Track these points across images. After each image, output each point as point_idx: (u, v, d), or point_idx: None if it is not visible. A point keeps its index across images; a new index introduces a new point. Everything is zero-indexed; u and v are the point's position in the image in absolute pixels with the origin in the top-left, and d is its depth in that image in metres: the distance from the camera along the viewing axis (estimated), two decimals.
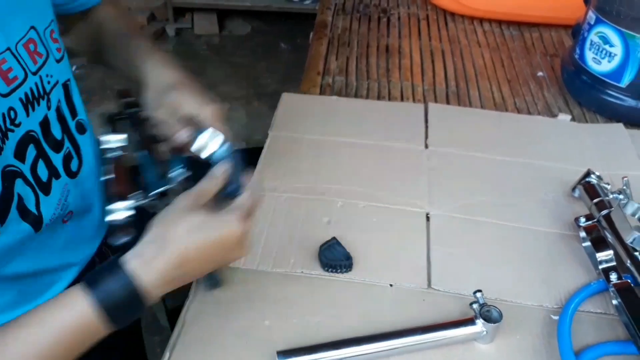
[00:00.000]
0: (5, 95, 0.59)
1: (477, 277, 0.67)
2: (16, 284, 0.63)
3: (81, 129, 0.70)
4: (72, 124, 0.69)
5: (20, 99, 0.61)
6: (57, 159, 0.67)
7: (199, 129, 0.61)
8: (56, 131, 0.67)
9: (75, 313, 0.49)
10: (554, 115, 1.00)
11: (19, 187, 0.61)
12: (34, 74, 0.63)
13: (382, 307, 0.63)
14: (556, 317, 0.62)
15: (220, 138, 0.60)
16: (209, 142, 0.60)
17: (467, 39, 1.24)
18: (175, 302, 1.43)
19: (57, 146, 0.67)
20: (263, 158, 0.85)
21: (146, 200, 0.59)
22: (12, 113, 0.60)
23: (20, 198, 0.60)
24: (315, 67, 1.10)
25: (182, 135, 0.62)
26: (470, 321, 0.58)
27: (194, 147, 0.61)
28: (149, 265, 0.50)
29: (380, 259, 0.68)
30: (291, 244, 0.70)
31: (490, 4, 1.28)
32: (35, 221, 0.63)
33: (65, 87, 0.68)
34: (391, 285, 0.65)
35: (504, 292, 0.65)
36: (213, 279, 0.64)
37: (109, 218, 0.56)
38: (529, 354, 0.59)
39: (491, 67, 1.14)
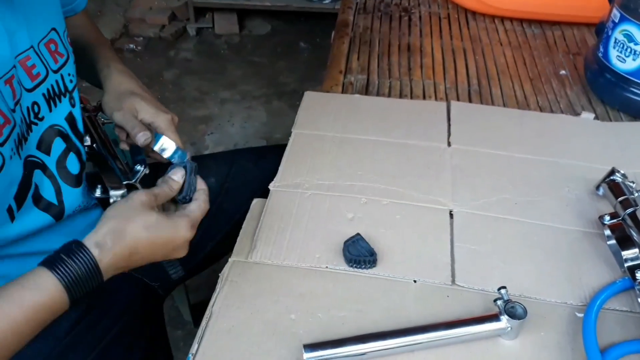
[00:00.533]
0: (30, 90, 0.62)
1: (501, 273, 0.67)
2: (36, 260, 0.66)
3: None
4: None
5: (43, 94, 0.64)
6: (83, 154, 0.69)
7: (156, 133, 0.69)
8: (81, 127, 0.70)
9: (49, 295, 0.52)
10: (577, 114, 0.99)
11: (37, 177, 0.63)
12: (55, 72, 0.66)
13: (406, 303, 0.63)
14: (581, 315, 0.62)
15: (172, 144, 0.69)
16: (168, 146, 0.69)
17: (488, 37, 1.24)
18: (198, 297, 1.46)
19: (81, 141, 0.70)
20: (286, 155, 0.86)
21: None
22: (35, 107, 0.63)
23: (36, 187, 0.63)
24: (337, 65, 1.11)
25: (141, 136, 0.69)
26: (494, 317, 0.59)
27: (157, 147, 0.69)
28: (108, 253, 0.55)
29: (404, 255, 0.69)
30: (315, 240, 0.71)
31: (512, 2, 1.27)
32: (55, 211, 0.66)
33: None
34: (415, 281, 0.66)
35: (528, 289, 0.65)
36: (175, 268, 0.68)
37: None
38: (554, 351, 0.59)
39: (513, 65, 1.14)
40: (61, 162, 0.68)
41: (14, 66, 0.60)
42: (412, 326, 0.59)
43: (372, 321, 0.61)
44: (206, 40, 2.77)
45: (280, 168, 0.83)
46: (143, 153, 0.76)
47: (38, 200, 0.65)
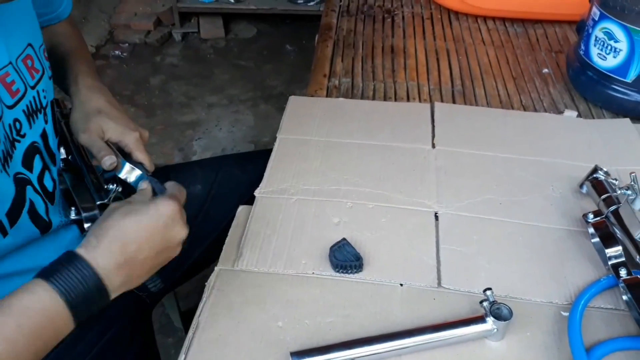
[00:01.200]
0: (11, 107, 0.62)
1: (487, 274, 0.68)
2: (20, 279, 0.65)
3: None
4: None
5: (23, 111, 0.64)
6: (54, 172, 0.69)
7: (120, 157, 0.69)
8: (53, 144, 0.70)
9: (39, 299, 0.49)
10: (560, 112, 1.00)
11: (30, 193, 0.63)
12: (32, 88, 0.66)
13: (392, 307, 0.64)
14: (566, 314, 0.63)
15: (137, 172, 0.69)
16: (132, 173, 0.69)
17: (471, 37, 1.24)
18: (188, 304, 1.45)
19: (52, 159, 0.69)
20: (272, 161, 0.85)
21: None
22: (17, 124, 0.63)
23: (32, 203, 0.63)
24: (322, 69, 1.11)
25: (107, 160, 0.68)
26: (480, 319, 0.59)
27: (122, 174, 0.69)
28: (95, 251, 0.52)
29: (390, 259, 0.69)
30: (302, 246, 0.71)
31: (494, 2, 1.28)
32: (44, 226, 0.66)
33: (53, 104, 0.72)
34: (401, 284, 0.66)
35: (514, 289, 0.66)
36: (154, 281, 0.64)
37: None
38: (540, 351, 0.59)
39: (496, 65, 1.14)
40: (40, 179, 0.67)
41: None
42: (399, 330, 0.59)
43: (359, 326, 0.61)
44: (192, 45, 2.76)
45: (266, 174, 0.83)
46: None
47: (35, 216, 0.64)
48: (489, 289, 0.60)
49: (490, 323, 0.59)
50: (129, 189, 0.69)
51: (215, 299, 0.65)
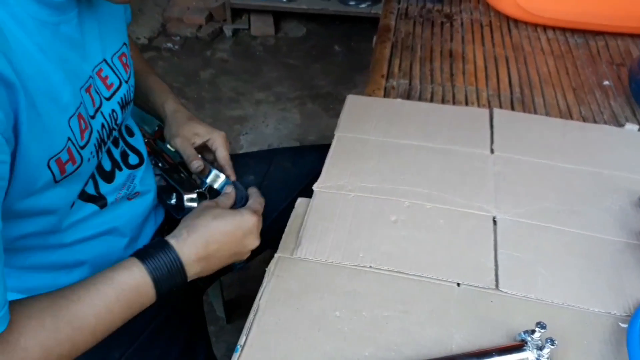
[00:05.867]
0: (108, 99, 0.67)
1: (544, 281, 0.68)
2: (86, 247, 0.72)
3: (129, 132, 0.79)
4: (123, 128, 0.77)
5: (118, 102, 0.69)
6: (116, 154, 0.73)
7: (208, 165, 0.83)
8: (116, 132, 0.75)
9: (134, 276, 0.59)
10: (621, 125, 0.99)
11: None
12: (127, 82, 0.71)
13: (449, 306, 0.64)
14: (625, 325, 0.62)
15: (222, 177, 0.83)
16: (219, 178, 0.83)
17: (530, 46, 1.24)
18: (229, 294, 1.48)
19: (115, 143, 0.74)
20: (330, 157, 0.87)
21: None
22: (115, 114, 0.68)
23: (96, 184, 0.70)
24: (380, 70, 1.12)
25: (194, 164, 0.82)
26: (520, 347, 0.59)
27: (209, 180, 0.83)
28: (184, 243, 0.62)
29: (448, 259, 0.70)
30: (359, 240, 0.72)
31: (555, 11, 1.27)
32: (102, 203, 0.71)
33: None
34: (458, 284, 0.67)
35: (571, 297, 0.66)
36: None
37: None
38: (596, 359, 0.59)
39: (556, 74, 1.14)
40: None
41: (91, 77, 0.64)
42: (453, 333, 0.60)
43: (415, 322, 0.62)
44: (242, 41, 2.81)
45: (324, 169, 0.85)
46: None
47: (101, 171, 0.71)
48: (540, 326, 0.58)
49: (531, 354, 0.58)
50: (213, 193, 0.83)
51: (275, 284, 0.67)
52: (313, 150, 1.03)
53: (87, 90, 0.63)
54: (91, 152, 0.63)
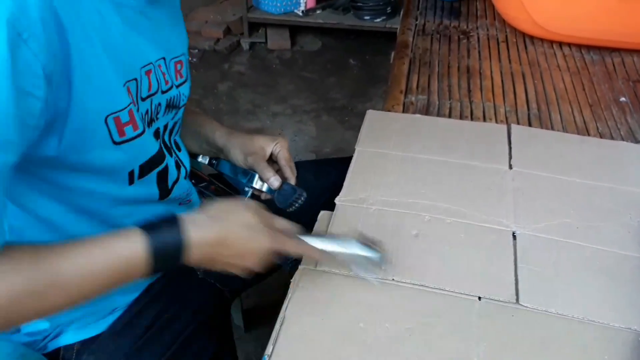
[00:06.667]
0: (164, 92, 0.71)
1: (564, 296, 0.69)
2: None
3: (177, 146, 0.81)
4: (173, 139, 0.79)
5: (167, 100, 0.72)
6: (171, 161, 0.75)
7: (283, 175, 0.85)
8: (167, 138, 0.77)
9: (131, 248, 0.55)
10: (638, 141, 1.00)
11: (169, 159, 0.72)
12: (177, 87, 0.74)
13: (471, 319, 0.66)
14: None
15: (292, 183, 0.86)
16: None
17: (547, 62, 1.25)
18: (247, 304, 1.50)
19: (168, 150, 0.76)
20: (351, 171, 0.89)
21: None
22: (159, 107, 0.71)
23: (167, 168, 0.71)
24: (398, 85, 1.14)
25: (274, 181, 0.83)
26: None
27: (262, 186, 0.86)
28: (198, 230, 0.59)
29: (469, 273, 0.71)
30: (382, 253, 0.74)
31: (571, 28, 1.29)
32: (164, 192, 0.73)
33: (182, 109, 0.80)
34: (479, 298, 0.68)
35: (592, 312, 0.67)
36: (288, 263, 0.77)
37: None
38: None
39: (572, 91, 1.15)
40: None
41: (151, 63, 0.67)
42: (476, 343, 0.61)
43: (438, 335, 0.64)
44: (259, 55, 2.85)
45: (345, 183, 0.87)
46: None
47: (162, 179, 0.72)
48: None
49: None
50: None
51: (300, 296, 0.69)
52: (334, 164, 1.05)
53: (147, 73, 0.66)
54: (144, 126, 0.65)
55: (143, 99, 0.66)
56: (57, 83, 0.52)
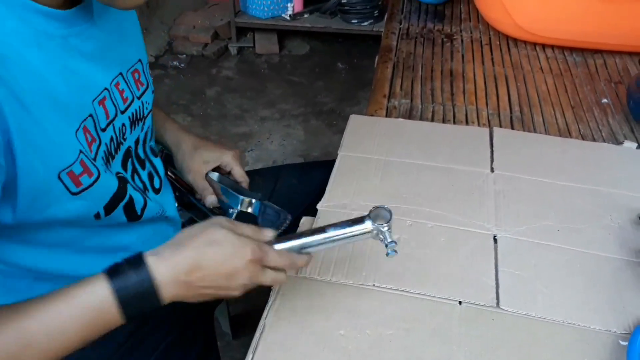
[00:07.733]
0: (123, 112, 0.68)
1: (544, 299, 0.69)
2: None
3: (153, 152, 0.80)
4: (147, 148, 0.78)
5: (129, 117, 0.70)
6: (144, 175, 0.75)
7: (235, 194, 0.81)
8: (140, 151, 0.76)
9: (96, 296, 0.53)
10: (620, 143, 1.00)
11: (131, 190, 0.69)
12: (139, 98, 0.72)
13: (451, 324, 0.66)
14: (625, 343, 0.64)
15: (254, 202, 0.81)
16: (250, 206, 0.82)
17: (530, 64, 1.26)
18: (235, 310, 1.49)
19: (142, 164, 0.75)
20: (333, 177, 0.89)
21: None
22: (124, 128, 0.69)
23: (131, 199, 0.68)
24: (382, 90, 1.14)
25: (207, 200, 0.82)
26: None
27: (242, 208, 0.82)
28: (163, 262, 0.54)
29: (450, 277, 0.71)
30: (362, 258, 0.74)
31: (553, 30, 1.29)
32: (134, 219, 0.71)
33: (150, 116, 0.78)
34: (460, 302, 0.68)
35: (572, 315, 0.67)
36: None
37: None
38: None
39: (554, 93, 1.16)
40: (133, 178, 0.73)
41: (106, 89, 0.66)
42: (457, 348, 0.61)
43: (418, 340, 0.64)
44: (247, 59, 2.84)
45: (328, 188, 0.86)
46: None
47: (129, 210, 0.70)
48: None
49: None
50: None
51: (280, 303, 0.68)
52: (318, 167, 1.05)
53: (101, 102, 0.64)
54: (102, 165, 0.63)
55: (103, 129, 0.65)
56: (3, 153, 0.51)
